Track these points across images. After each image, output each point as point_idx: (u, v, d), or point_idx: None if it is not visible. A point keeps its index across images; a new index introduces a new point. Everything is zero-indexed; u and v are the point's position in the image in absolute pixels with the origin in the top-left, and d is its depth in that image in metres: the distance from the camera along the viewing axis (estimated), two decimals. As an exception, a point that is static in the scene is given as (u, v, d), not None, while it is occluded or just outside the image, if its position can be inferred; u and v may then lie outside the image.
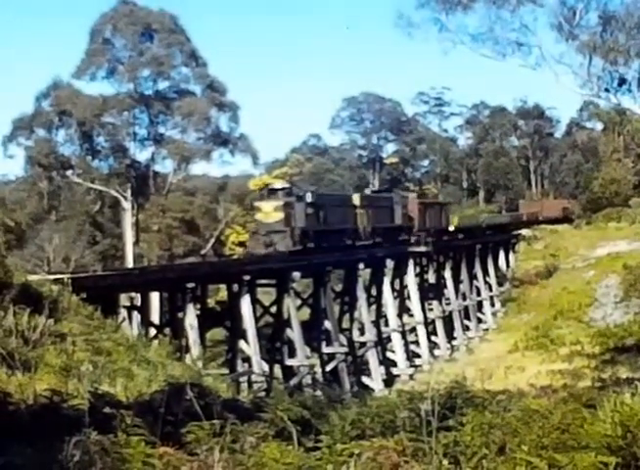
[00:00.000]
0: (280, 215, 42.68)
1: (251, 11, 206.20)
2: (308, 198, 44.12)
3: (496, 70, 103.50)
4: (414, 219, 58.12)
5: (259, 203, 44.97)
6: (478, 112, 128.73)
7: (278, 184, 47.65)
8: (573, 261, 65.52)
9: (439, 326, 59.57)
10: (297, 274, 42.41)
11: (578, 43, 36.15)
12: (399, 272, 56.73)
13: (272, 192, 44.97)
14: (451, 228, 66.56)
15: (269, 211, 42.88)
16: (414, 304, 56.61)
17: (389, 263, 54.29)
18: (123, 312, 33.54)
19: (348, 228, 49.09)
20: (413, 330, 57.56)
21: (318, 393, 16.71)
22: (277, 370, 43.33)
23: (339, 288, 54.77)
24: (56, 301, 18.62)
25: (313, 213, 44.39)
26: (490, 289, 70.18)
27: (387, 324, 54.12)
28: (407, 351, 55.48)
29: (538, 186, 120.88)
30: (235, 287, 39.50)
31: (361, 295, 50.28)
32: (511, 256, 76.18)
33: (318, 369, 45.01)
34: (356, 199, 50.93)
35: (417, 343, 57.24)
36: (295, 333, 41.98)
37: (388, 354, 54.62)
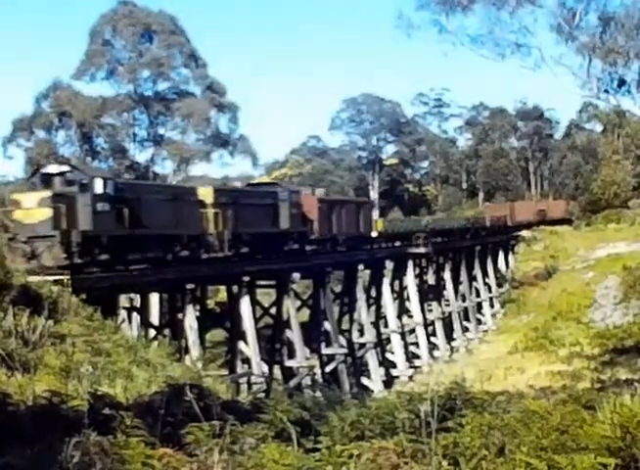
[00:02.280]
0: (46, 213, 28.64)
1: (250, 11, 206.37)
2: (98, 187, 29.93)
3: (496, 71, 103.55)
4: (312, 222, 45.56)
5: (19, 195, 30.31)
6: (477, 113, 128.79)
7: (53, 167, 30.88)
8: (573, 263, 65.52)
9: (439, 327, 59.58)
10: (296, 275, 42.42)
11: (578, 44, 36.18)
12: (399, 273, 56.74)
13: (45, 178, 30.44)
14: (374, 234, 55.13)
15: (31, 208, 28.72)
16: (413, 305, 56.61)
17: (389, 265, 54.30)
18: (123, 313, 33.60)
19: (186, 235, 34.77)
20: (412, 331, 57.57)
21: (318, 394, 16.70)
22: (277, 371, 43.35)
23: (338, 289, 54.79)
24: (56, 302, 18.63)
25: (110, 211, 30.31)
26: (490, 290, 70.19)
27: (386, 325, 54.14)
28: (407, 352, 55.48)
29: (538, 187, 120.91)
30: (234, 288, 39.51)
31: (361, 296, 50.28)
32: (510, 257, 76.19)
33: (318, 370, 44.99)
34: (206, 193, 36.57)
35: (416, 344, 57.25)
36: (294, 334, 41.99)
37: (388, 356, 54.63)
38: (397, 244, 58.67)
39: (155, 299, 37.32)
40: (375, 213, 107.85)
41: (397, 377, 52.57)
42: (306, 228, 44.75)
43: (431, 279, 61.59)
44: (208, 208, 36.12)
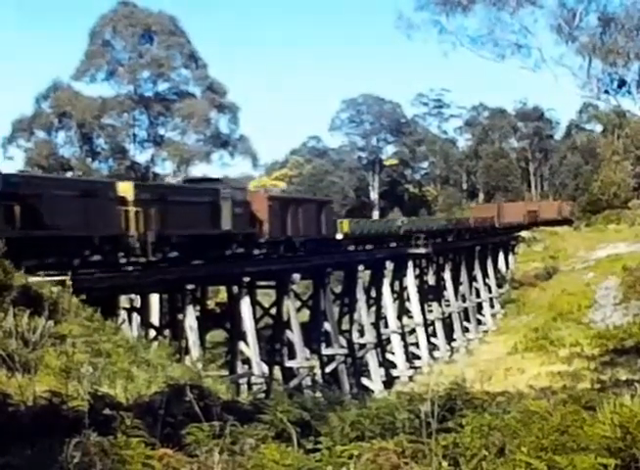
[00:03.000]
0: None
1: (250, 12, 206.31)
2: None
3: (496, 71, 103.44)
4: (262, 223, 40.91)
5: None
6: (477, 113, 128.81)
7: None
8: (573, 263, 65.56)
9: (439, 328, 59.57)
10: (296, 276, 42.43)
11: (578, 45, 36.17)
12: (399, 274, 56.73)
13: None
14: (339, 236, 50.40)
15: None
16: (413, 305, 56.61)
17: (389, 265, 54.29)
18: (123, 314, 33.59)
19: (98, 236, 29.68)
20: (413, 332, 57.58)
21: (318, 394, 16.73)
22: (277, 372, 43.37)
23: (338, 289, 54.79)
24: (56, 302, 18.62)
25: None
26: (490, 291, 70.18)
27: (386, 326, 54.14)
28: (407, 352, 55.49)
29: (538, 188, 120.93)
30: (235, 289, 39.53)
31: (361, 296, 50.29)
32: (510, 257, 76.18)
33: (318, 371, 45.04)
34: (126, 189, 31.79)
35: (416, 344, 57.25)
36: (294, 335, 42.00)
37: (388, 356, 54.64)
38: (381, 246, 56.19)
39: (155, 299, 37.35)
40: (375, 214, 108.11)
41: (397, 377, 52.59)
42: (254, 230, 40.19)
43: (431, 280, 61.58)
44: (130, 205, 31.18)
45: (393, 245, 58.05)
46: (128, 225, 30.82)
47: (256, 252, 41.19)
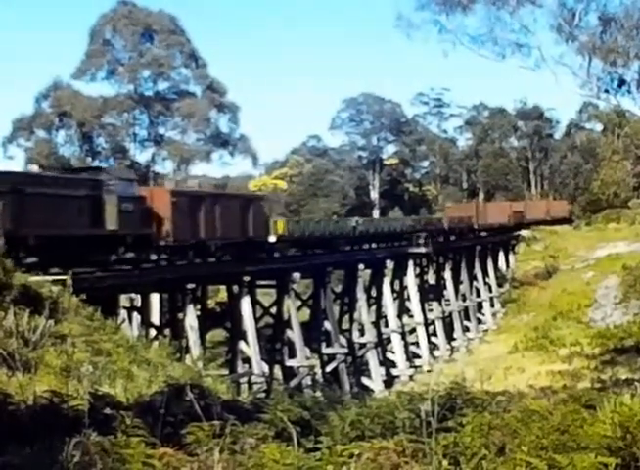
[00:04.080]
0: None
1: (250, 11, 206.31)
2: None
3: (496, 70, 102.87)
4: (162, 223, 34.04)
5: None
6: (477, 113, 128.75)
7: None
8: (573, 262, 65.53)
9: (439, 327, 59.60)
10: (296, 275, 42.46)
11: (578, 44, 36.14)
12: (399, 273, 56.75)
13: None
14: (272, 239, 42.67)
15: None
16: (414, 304, 56.63)
17: (389, 264, 54.29)
18: (123, 313, 33.62)
19: None
20: (413, 331, 57.61)
21: (318, 393, 16.73)
22: (277, 371, 43.42)
23: (338, 289, 54.81)
24: (56, 302, 18.62)
25: None
26: (490, 290, 70.20)
27: (386, 325, 54.18)
28: (407, 351, 55.53)
29: (538, 187, 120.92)
30: (235, 288, 39.55)
31: (361, 296, 50.31)
32: (511, 256, 76.18)
33: (318, 370, 45.08)
34: None
35: (417, 344, 57.29)
36: (295, 334, 42.03)
37: (388, 355, 54.69)
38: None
39: (155, 298, 37.37)
40: (375, 213, 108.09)
41: (398, 377, 52.63)
42: (150, 231, 33.01)
43: (431, 279, 61.61)
44: None
45: (347, 248, 51.60)
46: None
47: (154, 257, 34.40)
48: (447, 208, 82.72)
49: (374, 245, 55.63)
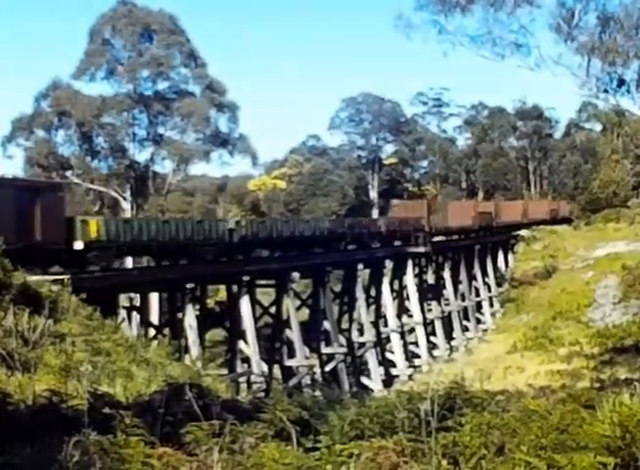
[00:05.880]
0: None
1: (250, 11, 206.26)
2: None
3: (495, 70, 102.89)
4: None
5: None
6: (476, 112, 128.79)
7: None
8: (572, 262, 65.52)
9: (438, 327, 59.61)
10: (296, 275, 42.45)
11: (577, 44, 36.14)
12: (398, 273, 56.76)
13: None
14: (78, 245, 30.90)
15: None
16: (413, 304, 56.63)
17: (388, 264, 54.27)
18: (123, 313, 33.65)
19: None
20: (412, 330, 57.61)
21: (317, 393, 16.72)
22: (276, 371, 43.41)
23: (338, 288, 54.81)
24: (55, 301, 18.64)
25: None
26: (489, 289, 70.22)
27: (386, 325, 54.17)
28: (406, 351, 55.53)
29: (537, 187, 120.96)
30: (234, 287, 39.55)
31: (360, 295, 50.31)
32: (510, 256, 76.18)
33: (317, 370, 45.06)
34: None
35: (416, 343, 57.29)
36: (294, 333, 42.03)
37: (388, 355, 54.67)
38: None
39: (154, 298, 37.37)
40: (374, 213, 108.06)
41: (397, 376, 52.63)
42: None
43: (430, 278, 61.60)
44: None
45: (209, 258, 38.27)
46: None
47: None
48: (395, 206, 69.70)
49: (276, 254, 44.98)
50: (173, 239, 35.13)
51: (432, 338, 58.89)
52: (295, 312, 43.14)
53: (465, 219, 67.69)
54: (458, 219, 66.30)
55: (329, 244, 48.35)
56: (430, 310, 59.88)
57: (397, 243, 57.69)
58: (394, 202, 73.37)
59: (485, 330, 64.33)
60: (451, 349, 59.99)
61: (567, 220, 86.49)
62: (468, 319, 64.92)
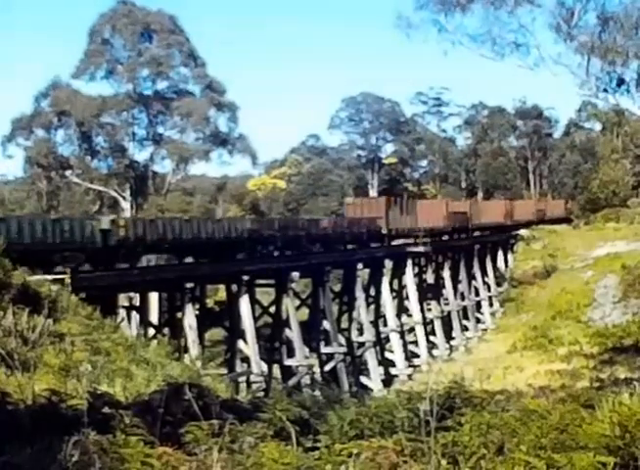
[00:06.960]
0: None
1: (250, 11, 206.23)
2: None
3: (495, 70, 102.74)
4: None
5: None
6: (476, 112, 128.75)
7: None
8: (572, 262, 65.53)
9: (438, 326, 59.58)
10: (295, 274, 42.44)
11: (577, 44, 36.10)
12: (398, 272, 56.72)
13: None
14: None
15: None
16: (412, 304, 56.61)
17: (388, 264, 54.22)
18: (122, 312, 33.64)
19: None
20: (412, 330, 57.60)
21: (317, 393, 16.71)
22: (276, 370, 43.39)
23: (337, 288, 54.79)
24: (55, 301, 18.63)
25: None
26: (489, 289, 70.19)
27: (385, 324, 54.16)
28: (406, 351, 55.50)
29: (537, 186, 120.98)
30: (234, 287, 39.53)
31: (360, 295, 50.29)
32: (509, 256, 76.16)
33: (317, 369, 45.04)
34: None
35: (415, 343, 57.27)
36: (293, 333, 42.01)
37: (387, 355, 54.66)
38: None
39: (154, 298, 37.35)
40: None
41: (396, 376, 52.61)
42: None
43: (430, 278, 61.57)
44: None
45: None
46: None
47: None
48: (348, 205, 62.10)
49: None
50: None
51: (431, 337, 58.86)
52: (294, 312, 43.12)
53: (436, 220, 62.22)
54: (428, 220, 60.69)
55: (252, 248, 41.35)
56: (429, 310, 59.86)
57: (397, 242, 57.67)
58: (348, 200, 67.33)
59: (485, 330, 64.31)
60: (451, 348, 59.96)
61: (558, 221, 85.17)
62: (467, 319, 64.90)
